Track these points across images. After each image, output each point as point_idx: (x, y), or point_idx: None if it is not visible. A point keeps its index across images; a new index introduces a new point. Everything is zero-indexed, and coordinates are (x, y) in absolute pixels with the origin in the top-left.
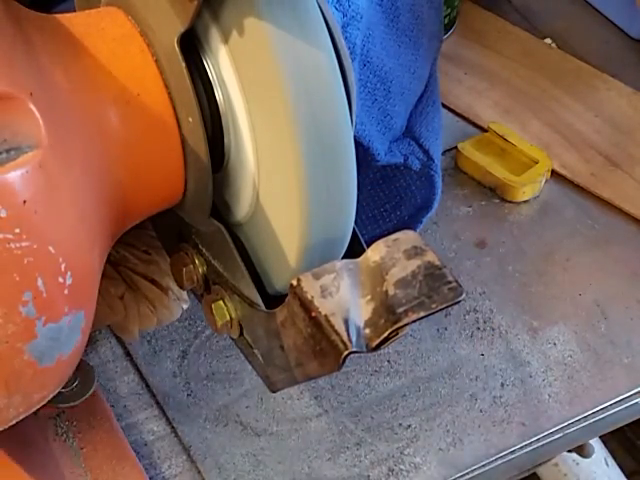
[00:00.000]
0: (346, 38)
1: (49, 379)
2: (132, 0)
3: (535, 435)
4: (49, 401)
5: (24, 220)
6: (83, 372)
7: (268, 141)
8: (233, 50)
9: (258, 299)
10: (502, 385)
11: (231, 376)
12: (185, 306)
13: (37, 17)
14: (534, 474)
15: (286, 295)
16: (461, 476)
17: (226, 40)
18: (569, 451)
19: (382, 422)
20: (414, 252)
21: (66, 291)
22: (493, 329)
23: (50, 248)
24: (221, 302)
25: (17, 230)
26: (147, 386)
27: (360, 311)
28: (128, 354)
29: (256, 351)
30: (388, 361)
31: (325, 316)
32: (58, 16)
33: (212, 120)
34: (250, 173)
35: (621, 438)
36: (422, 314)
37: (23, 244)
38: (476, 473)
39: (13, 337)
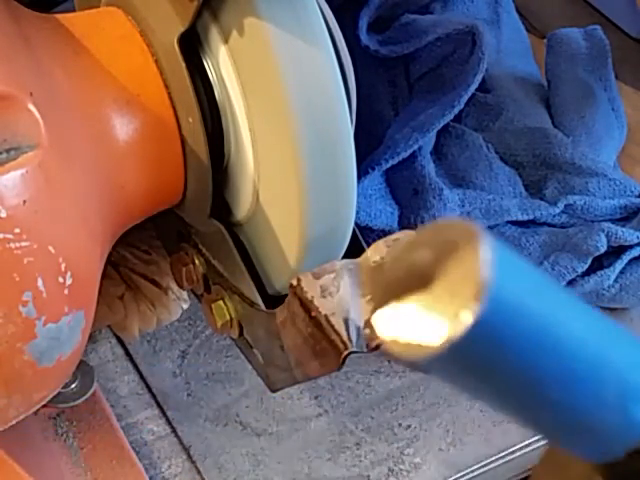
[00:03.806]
0: None
1: (49, 379)
2: (132, 0)
3: (535, 435)
4: (49, 401)
5: (24, 220)
6: (83, 372)
7: (268, 141)
8: (233, 50)
9: (258, 299)
10: None
11: (231, 376)
12: (185, 306)
13: (37, 17)
14: None
15: (286, 295)
16: (461, 476)
17: (226, 40)
18: None
19: (382, 422)
20: None
21: (66, 291)
22: None
23: (50, 248)
24: (221, 302)
25: (17, 230)
26: (147, 386)
27: (360, 311)
28: (128, 354)
29: (256, 351)
30: (388, 361)
31: (325, 316)
32: (58, 16)
33: (212, 120)
34: (250, 173)
35: None
36: None
37: (23, 244)
38: (476, 473)
39: (13, 337)
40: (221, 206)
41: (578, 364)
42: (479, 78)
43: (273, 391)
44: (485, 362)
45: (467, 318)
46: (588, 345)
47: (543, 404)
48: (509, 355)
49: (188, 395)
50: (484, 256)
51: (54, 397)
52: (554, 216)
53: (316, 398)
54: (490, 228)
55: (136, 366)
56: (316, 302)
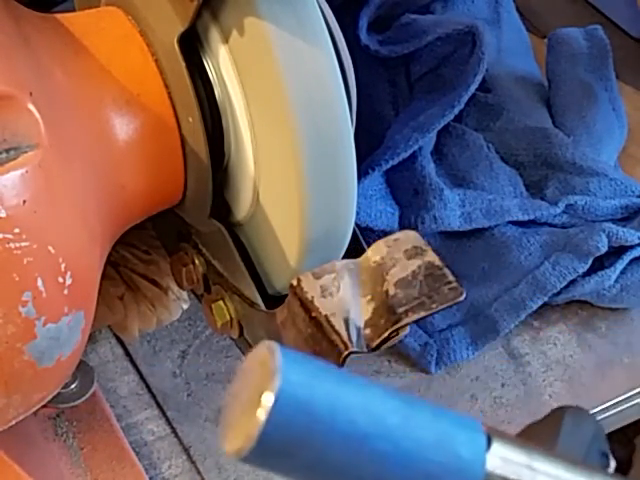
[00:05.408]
0: None
1: (49, 379)
2: (132, 0)
3: None
4: (49, 401)
5: (24, 220)
6: (83, 372)
7: (268, 141)
8: (233, 50)
9: (258, 299)
10: (502, 385)
11: (231, 376)
12: (185, 306)
13: (37, 17)
14: None
15: (286, 295)
16: None
17: (226, 40)
18: None
19: None
20: (414, 252)
21: (66, 291)
22: None
23: (50, 248)
24: (221, 302)
25: (17, 230)
26: (147, 386)
27: (360, 311)
28: (128, 354)
29: None
30: (388, 361)
31: (325, 316)
32: (58, 16)
33: (212, 120)
34: (250, 173)
35: (621, 438)
36: (422, 314)
37: (23, 244)
38: None
39: (13, 337)
40: (221, 206)
41: (382, 443)
42: (479, 78)
43: None
44: (292, 454)
45: (261, 415)
46: (385, 424)
47: None
48: (310, 442)
49: (188, 395)
50: (272, 364)
51: (54, 397)
52: (555, 216)
53: None
54: (491, 228)
55: (136, 366)
56: (316, 302)
